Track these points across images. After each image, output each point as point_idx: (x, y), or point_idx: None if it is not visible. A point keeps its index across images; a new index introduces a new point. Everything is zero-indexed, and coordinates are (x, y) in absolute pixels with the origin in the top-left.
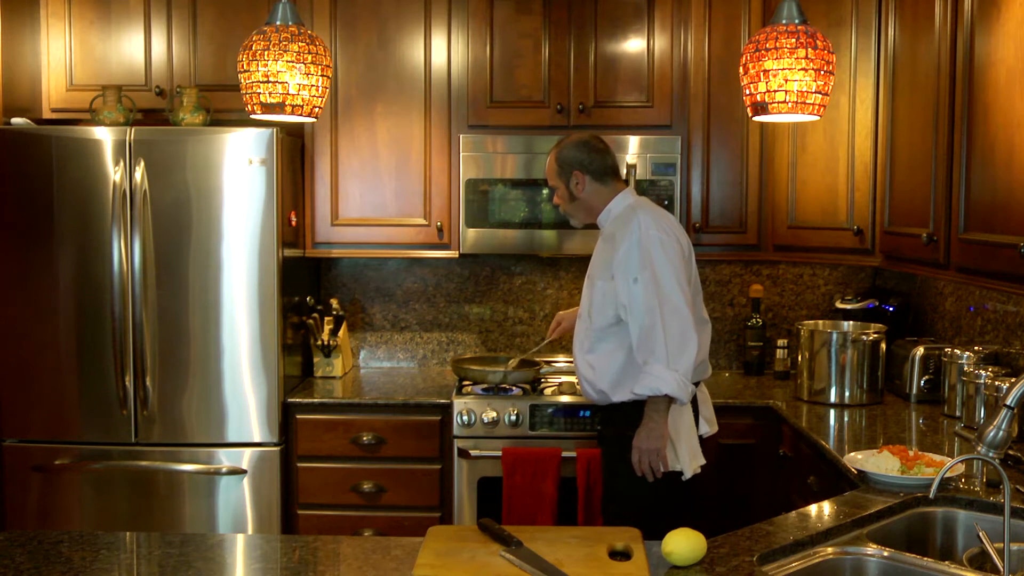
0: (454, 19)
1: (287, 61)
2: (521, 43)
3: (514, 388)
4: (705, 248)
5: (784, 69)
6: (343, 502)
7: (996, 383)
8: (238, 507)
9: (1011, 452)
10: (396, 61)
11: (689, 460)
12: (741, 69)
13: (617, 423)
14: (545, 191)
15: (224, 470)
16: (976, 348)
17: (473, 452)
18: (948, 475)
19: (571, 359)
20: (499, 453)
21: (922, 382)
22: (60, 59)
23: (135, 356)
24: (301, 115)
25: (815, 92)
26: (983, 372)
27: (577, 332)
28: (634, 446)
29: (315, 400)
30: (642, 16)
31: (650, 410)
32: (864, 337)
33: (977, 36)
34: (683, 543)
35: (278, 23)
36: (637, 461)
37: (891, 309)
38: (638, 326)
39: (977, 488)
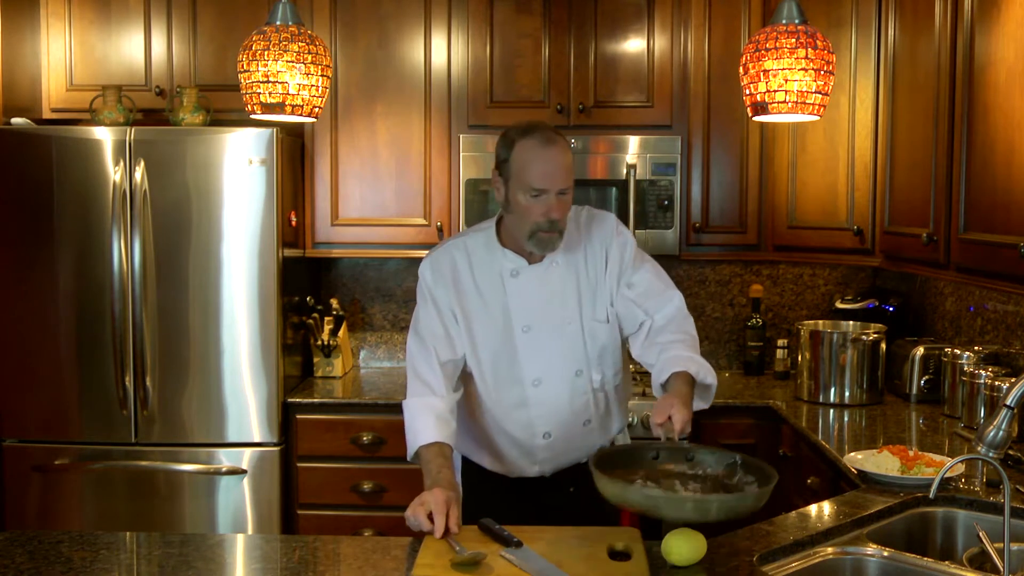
0: (454, 19)
1: (287, 61)
2: (521, 43)
3: None
4: (705, 248)
5: (784, 69)
6: (343, 502)
7: (996, 383)
8: (238, 507)
9: (1011, 452)
10: (396, 61)
11: None
12: (741, 69)
13: None
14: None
15: (224, 470)
16: (976, 348)
17: None
18: (948, 475)
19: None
20: None
21: (922, 382)
22: (60, 59)
23: (135, 356)
24: (301, 115)
25: (815, 92)
26: (983, 372)
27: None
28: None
29: (315, 400)
30: (642, 16)
31: None
32: (864, 337)
33: (977, 36)
34: (683, 543)
35: (278, 23)
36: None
37: (891, 309)
38: None
39: (977, 488)
